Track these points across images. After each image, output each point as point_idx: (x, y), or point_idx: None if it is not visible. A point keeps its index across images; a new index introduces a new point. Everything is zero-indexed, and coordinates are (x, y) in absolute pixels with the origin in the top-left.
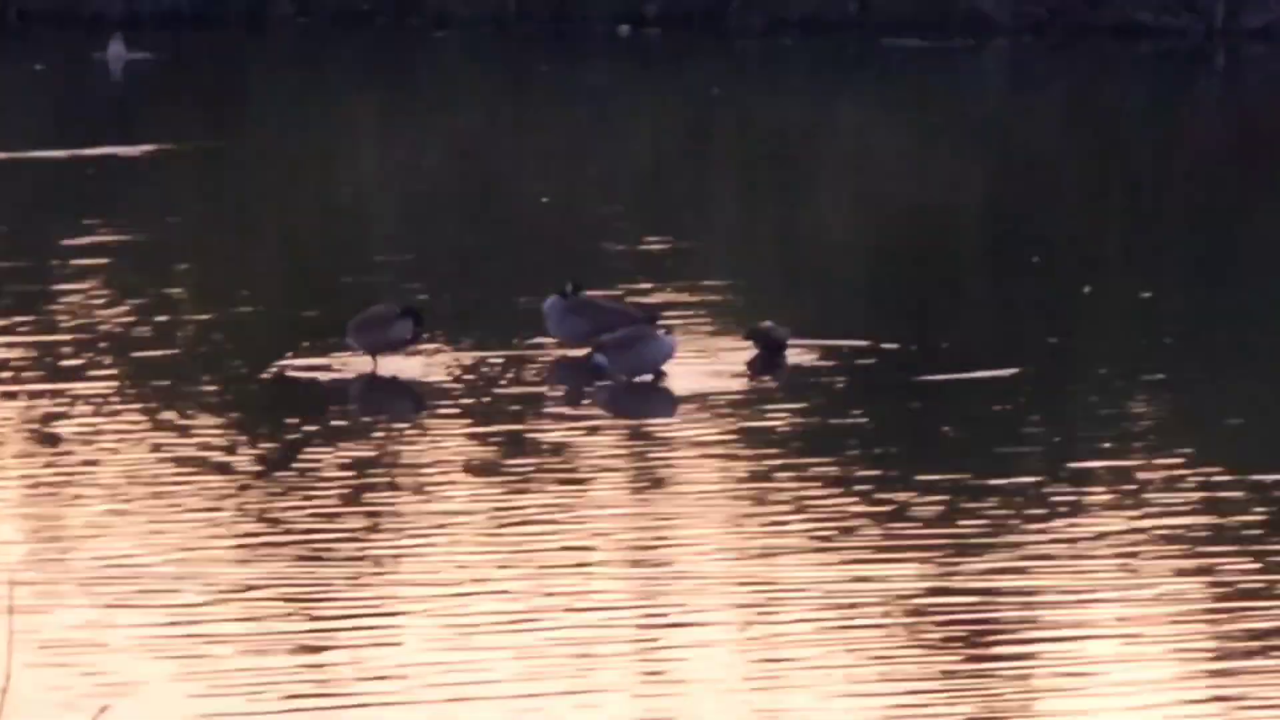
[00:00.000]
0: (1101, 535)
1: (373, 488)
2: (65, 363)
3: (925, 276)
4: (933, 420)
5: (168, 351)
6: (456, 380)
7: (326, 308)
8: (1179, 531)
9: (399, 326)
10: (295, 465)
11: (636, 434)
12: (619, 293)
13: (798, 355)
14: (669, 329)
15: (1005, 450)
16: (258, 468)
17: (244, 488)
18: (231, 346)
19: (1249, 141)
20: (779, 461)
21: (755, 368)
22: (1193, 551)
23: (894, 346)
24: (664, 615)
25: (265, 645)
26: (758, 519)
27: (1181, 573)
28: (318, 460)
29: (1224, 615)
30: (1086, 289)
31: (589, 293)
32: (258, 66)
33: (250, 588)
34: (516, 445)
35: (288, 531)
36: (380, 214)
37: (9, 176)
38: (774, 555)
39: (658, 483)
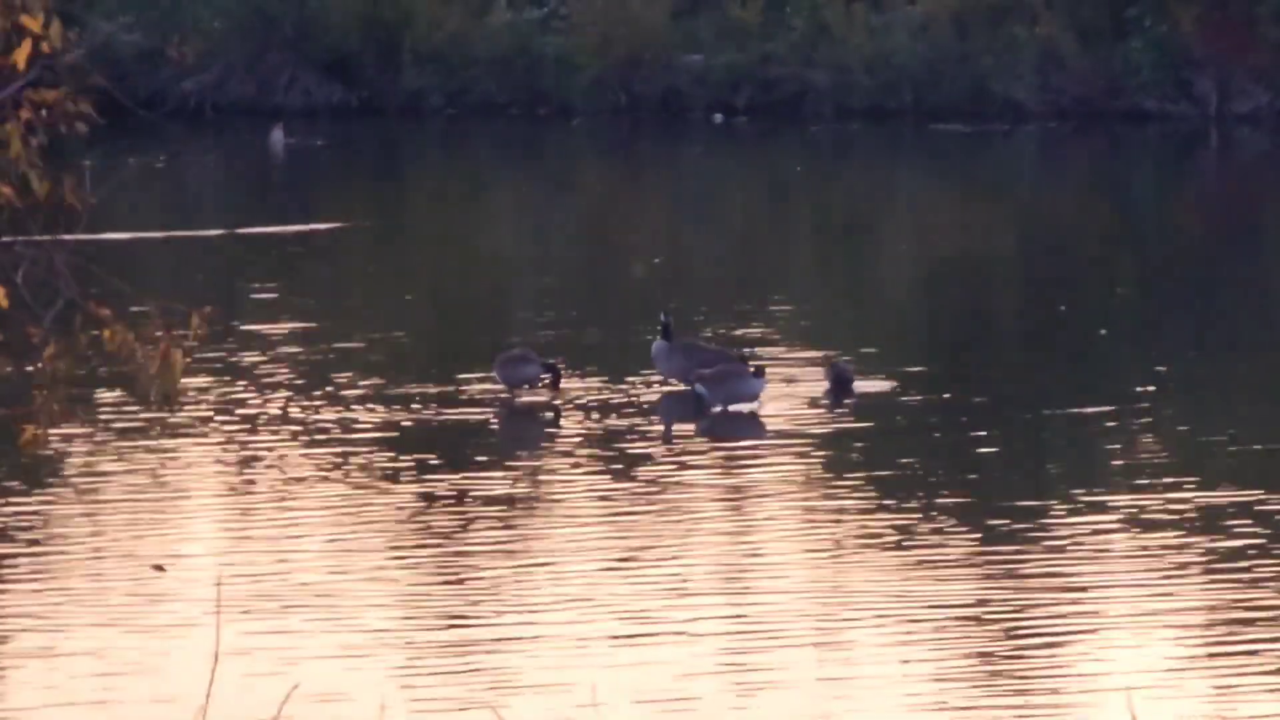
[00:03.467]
0: (1151, 556)
1: (510, 506)
2: (255, 405)
3: (971, 323)
4: (978, 446)
5: (345, 389)
6: (581, 409)
7: (478, 350)
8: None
9: (531, 367)
10: (454, 485)
11: (733, 456)
12: (717, 336)
13: (864, 389)
14: (760, 369)
15: (1037, 472)
16: (421, 488)
17: (402, 508)
18: (398, 382)
19: (1237, 207)
20: (855, 482)
21: (829, 399)
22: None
23: (945, 382)
24: (749, 630)
25: (427, 652)
26: (835, 534)
27: (1208, 600)
28: (467, 483)
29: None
30: (1103, 332)
31: (692, 338)
32: (412, 151)
33: (404, 603)
34: (632, 465)
35: (439, 545)
36: (519, 274)
37: (213, 250)
38: (848, 569)
39: (750, 498)
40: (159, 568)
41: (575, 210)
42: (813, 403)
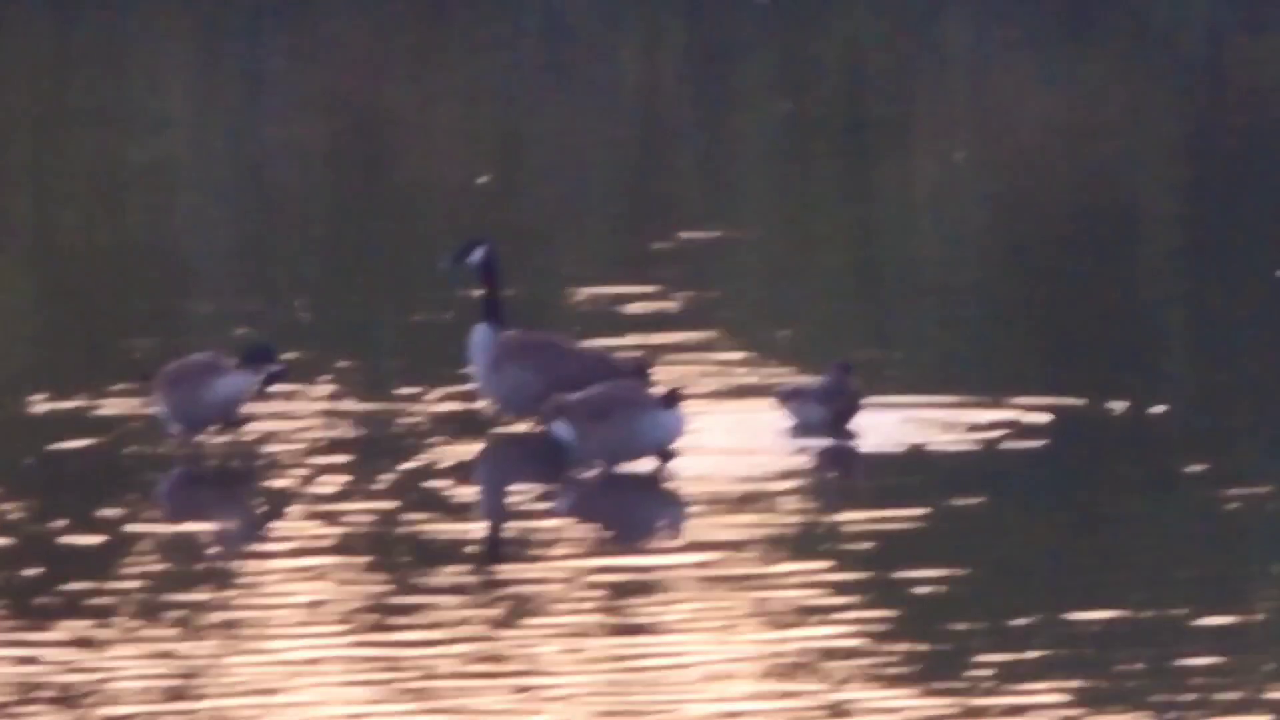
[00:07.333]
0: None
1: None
2: None
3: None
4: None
5: None
6: (323, 456)
7: (126, 352)
8: None
9: (230, 381)
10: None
11: (631, 569)
12: (585, 325)
13: (872, 417)
14: (672, 391)
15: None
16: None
17: None
18: (18, 408)
19: None
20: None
21: (819, 430)
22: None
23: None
24: None
25: None
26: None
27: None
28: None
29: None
30: None
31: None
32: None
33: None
34: (406, 582)
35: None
36: (216, 202)
37: None
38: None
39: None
40: None
41: (320, 96)
42: (780, 442)
